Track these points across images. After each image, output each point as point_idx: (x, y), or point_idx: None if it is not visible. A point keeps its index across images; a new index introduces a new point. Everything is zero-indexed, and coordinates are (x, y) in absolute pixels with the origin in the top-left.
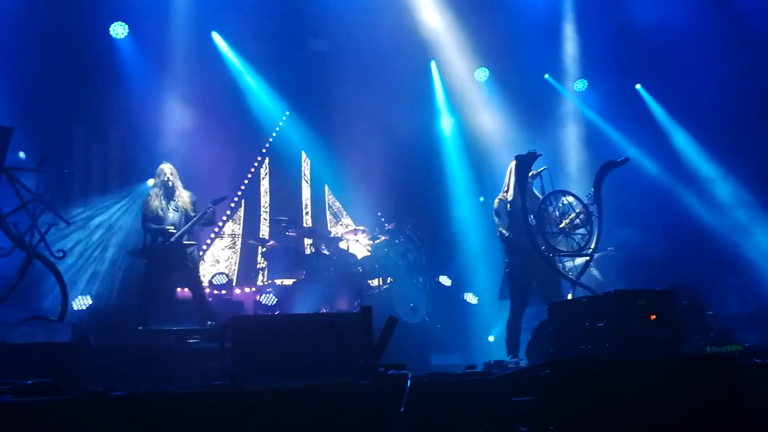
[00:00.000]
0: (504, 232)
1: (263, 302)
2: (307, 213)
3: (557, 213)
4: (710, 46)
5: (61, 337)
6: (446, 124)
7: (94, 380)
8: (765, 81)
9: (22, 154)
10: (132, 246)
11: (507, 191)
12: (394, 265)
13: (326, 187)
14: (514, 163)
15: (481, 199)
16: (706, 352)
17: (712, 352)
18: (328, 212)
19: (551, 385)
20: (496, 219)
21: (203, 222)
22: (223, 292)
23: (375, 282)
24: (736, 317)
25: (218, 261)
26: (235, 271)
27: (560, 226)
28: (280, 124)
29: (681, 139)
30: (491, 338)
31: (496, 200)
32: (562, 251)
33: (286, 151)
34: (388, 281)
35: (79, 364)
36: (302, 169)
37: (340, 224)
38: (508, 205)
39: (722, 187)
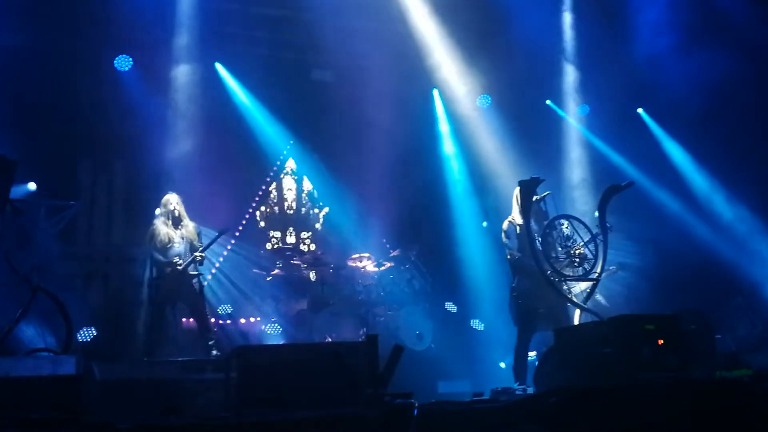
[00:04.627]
0: (514, 254)
1: (268, 332)
2: (311, 241)
3: (562, 237)
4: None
5: (66, 369)
6: (449, 150)
7: (99, 413)
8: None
9: (32, 185)
10: (137, 276)
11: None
12: (399, 292)
13: (330, 214)
14: (518, 188)
15: (485, 224)
16: (715, 377)
17: (722, 376)
18: (332, 240)
19: (560, 413)
20: (506, 240)
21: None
22: (228, 322)
23: (380, 309)
24: (745, 340)
25: (224, 290)
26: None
27: (570, 252)
28: (284, 152)
29: (684, 162)
30: (503, 365)
31: (506, 222)
32: (569, 276)
33: (290, 179)
34: (394, 308)
35: (83, 397)
36: (306, 197)
37: (345, 251)
38: (518, 228)
39: (727, 209)
